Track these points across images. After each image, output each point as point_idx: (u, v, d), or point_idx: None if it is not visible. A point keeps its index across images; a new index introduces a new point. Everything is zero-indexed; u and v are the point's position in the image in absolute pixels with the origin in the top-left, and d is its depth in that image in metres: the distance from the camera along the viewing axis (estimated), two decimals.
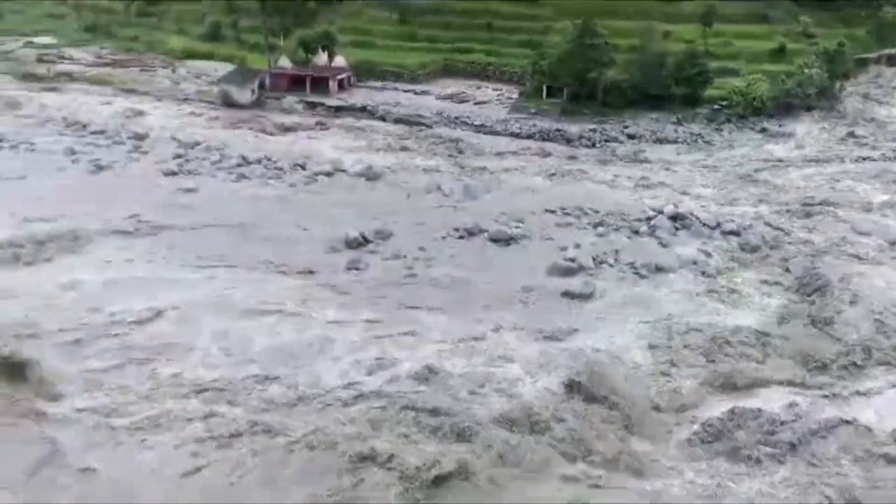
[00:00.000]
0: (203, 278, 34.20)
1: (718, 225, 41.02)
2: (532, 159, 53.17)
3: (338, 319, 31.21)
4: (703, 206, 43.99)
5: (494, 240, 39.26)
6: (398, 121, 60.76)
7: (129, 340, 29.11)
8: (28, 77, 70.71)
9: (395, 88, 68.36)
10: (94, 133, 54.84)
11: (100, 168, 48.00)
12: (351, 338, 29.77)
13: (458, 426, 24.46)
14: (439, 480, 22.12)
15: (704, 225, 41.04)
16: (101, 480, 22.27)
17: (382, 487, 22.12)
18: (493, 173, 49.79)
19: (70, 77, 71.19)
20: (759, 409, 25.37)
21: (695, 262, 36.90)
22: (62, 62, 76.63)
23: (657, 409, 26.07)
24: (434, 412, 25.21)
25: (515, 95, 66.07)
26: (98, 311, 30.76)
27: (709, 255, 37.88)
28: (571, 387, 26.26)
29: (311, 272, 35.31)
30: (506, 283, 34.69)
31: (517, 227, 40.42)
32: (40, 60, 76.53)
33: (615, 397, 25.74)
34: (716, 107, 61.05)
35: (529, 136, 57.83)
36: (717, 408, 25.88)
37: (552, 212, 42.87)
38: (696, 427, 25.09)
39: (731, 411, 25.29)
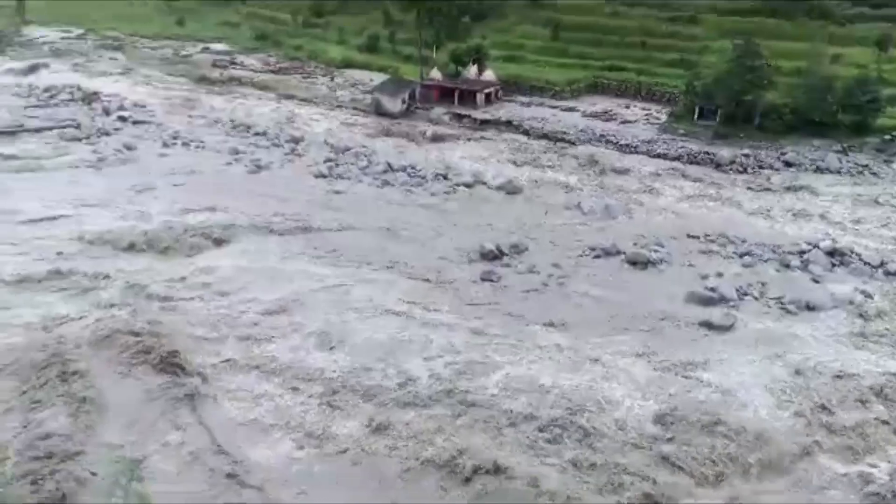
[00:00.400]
0: (331, 275, 35.75)
1: (882, 264, 37.88)
2: (677, 182, 51.38)
3: (448, 323, 31.59)
4: (865, 243, 40.75)
5: (632, 262, 38.24)
6: (542, 136, 60.63)
7: (243, 320, 31.30)
8: (202, 80, 76.99)
9: (542, 104, 68.27)
10: (256, 135, 58.66)
11: (258, 168, 51.30)
12: (454, 342, 30.03)
13: (533, 436, 24.13)
14: (500, 485, 22.00)
15: (866, 263, 38.06)
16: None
17: (436, 488, 22.17)
18: (634, 194, 48.60)
19: (239, 82, 76.79)
20: (869, 473, 23.37)
21: (851, 302, 34.28)
22: (234, 68, 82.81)
23: (754, 456, 23.87)
24: (512, 419, 25.06)
25: (665, 116, 64.15)
26: (226, 295, 33.32)
27: (868, 296, 35.02)
28: (667, 418, 25.30)
29: (440, 280, 35.86)
30: (639, 307, 33.68)
31: (656, 251, 39.16)
32: (215, 65, 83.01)
33: (716, 437, 24.41)
34: (887, 137, 56.32)
35: (676, 158, 55.88)
36: (822, 466, 23.81)
37: (695, 237, 41.28)
38: (783, 481, 23.15)
39: (832, 471, 23.38)
